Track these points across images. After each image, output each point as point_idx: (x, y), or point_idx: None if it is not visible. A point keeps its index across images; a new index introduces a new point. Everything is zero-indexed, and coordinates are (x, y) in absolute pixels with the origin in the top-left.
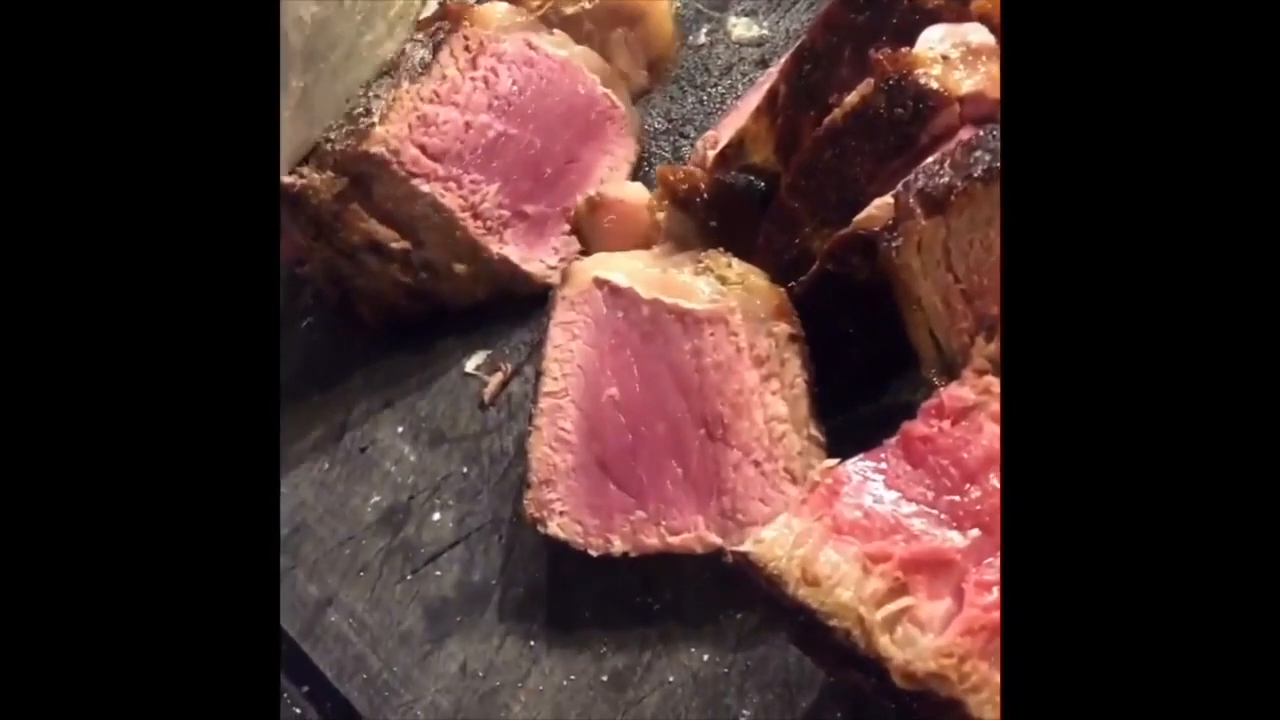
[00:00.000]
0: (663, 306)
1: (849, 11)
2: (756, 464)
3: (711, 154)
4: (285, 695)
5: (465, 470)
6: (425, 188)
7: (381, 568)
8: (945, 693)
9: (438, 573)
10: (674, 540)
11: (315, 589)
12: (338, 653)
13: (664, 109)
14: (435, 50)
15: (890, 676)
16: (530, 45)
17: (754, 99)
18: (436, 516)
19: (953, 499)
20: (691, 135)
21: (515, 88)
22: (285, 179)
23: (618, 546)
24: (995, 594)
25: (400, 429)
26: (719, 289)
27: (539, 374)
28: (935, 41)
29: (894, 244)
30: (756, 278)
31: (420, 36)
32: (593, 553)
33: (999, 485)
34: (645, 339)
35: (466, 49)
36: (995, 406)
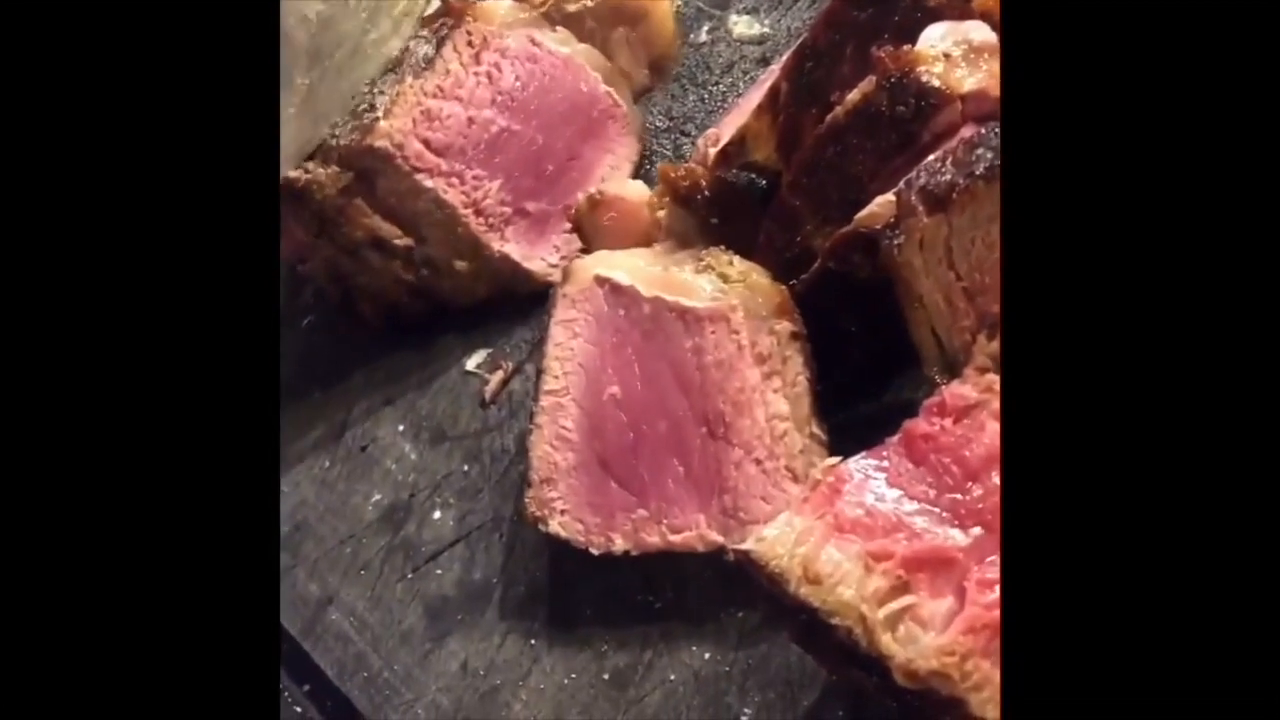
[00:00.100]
0: (664, 304)
1: (851, 9)
2: (758, 462)
3: (713, 152)
4: (286, 694)
5: (466, 468)
6: (428, 183)
7: (382, 566)
8: (947, 691)
9: (439, 571)
10: (675, 538)
11: (316, 587)
12: (338, 651)
13: (665, 107)
14: (439, 45)
15: (892, 675)
16: (533, 42)
17: (755, 97)
18: (437, 515)
19: (955, 497)
20: (693, 133)
21: (518, 83)
22: (290, 173)
23: (619, 545)
24: (997, 592)
25: (401, 427)
26: (720, 287)
27: (540, 372)
28: (937, 39)
29: (896, 242)
30: (758, 275)
31: (424, 33)
32: (594, 551)
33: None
34: (646, 337)
35: (470, 44)
36: (997, 405)
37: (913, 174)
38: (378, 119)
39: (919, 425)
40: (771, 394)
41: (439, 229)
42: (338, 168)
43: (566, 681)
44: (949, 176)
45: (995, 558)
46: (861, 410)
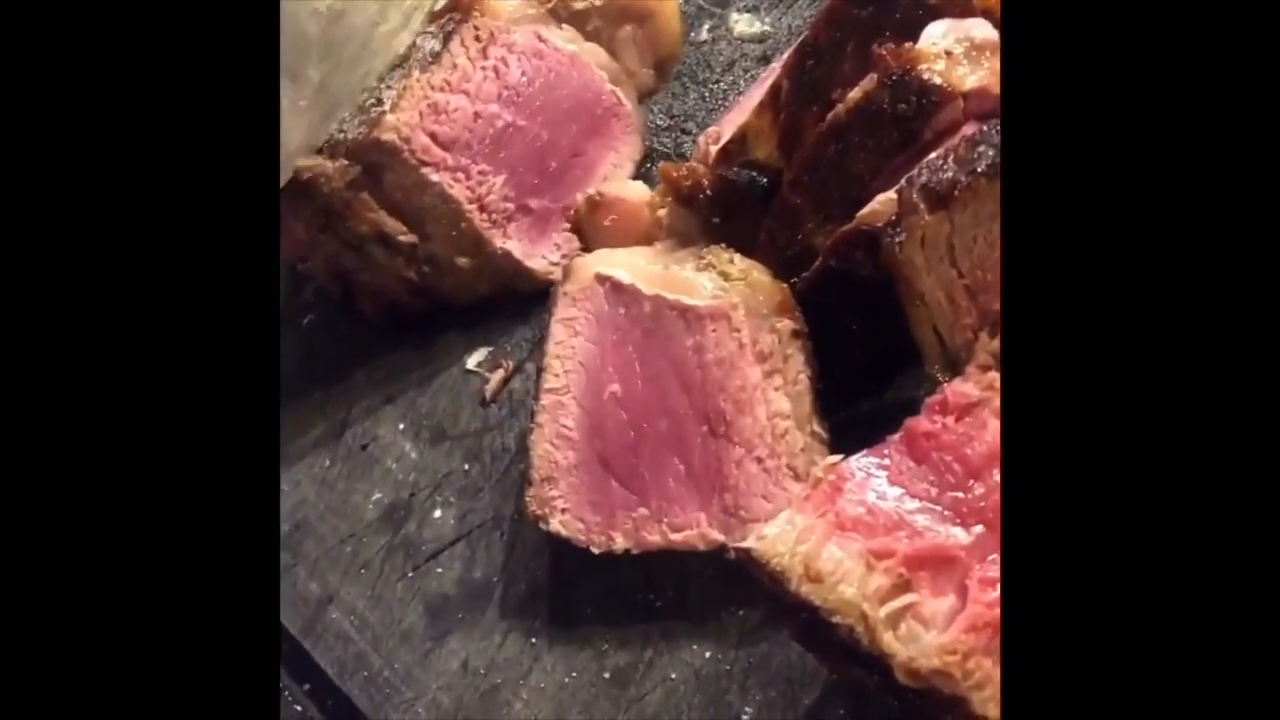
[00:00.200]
0: (665, 303)
1: (852, 7)
2: (759, 460)
3: (714, 150)
4: (286, 693)
5: (467, 467)
6: (434, 177)
7: (383, 565)
8: (949, 690)
9: (439, 570)
10: (676, 537)
11: (316, 586)
12: (339, 650)
13: (666, 105)
14: (446, 40)
15: (893, 673)
16: (540, 38)
17: (756, 95)
18: (438, 514)
19: (956, 495)
20: (694, 131)
21: (525, 79)
22: (300, 161)
23: (620, 543)
24: (999, 590)
25: (401, 426)
26: (721, 285)
27: (540, 371)
28: (939, 37)
29: (897, 239)
30: (759, 274)
31: (431, 28)
32: (595, 550)
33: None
34: (647, 335)
35: (477, 39)
36: (999, 402)
37: (914, 172)
38: (385, 113)
39: (920, 423)
40: (773, 392)
41: (442, 225)
42: (345, 161)
43: (567, 680)
44: (951, 174)
45: (997, 556)
46: (863, 408)
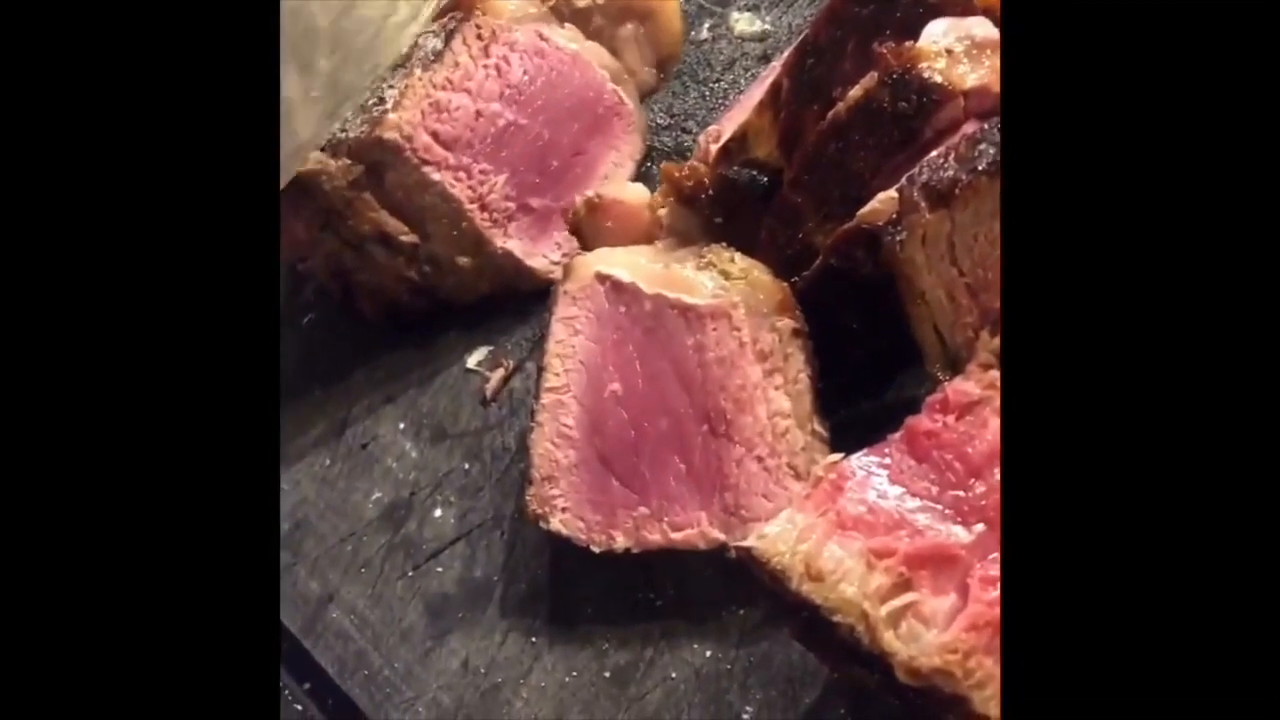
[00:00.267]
0: (665, 301)
1: (853, 5)
2: (759, 459)
3: (714, 149)
4: (286, 692)
5: (467, 466)
6: (436, 176)
7: (383, 564)
8: (950, 689)
9: (439, 569)
10: (677, 536)
11: (316, 585)
12: (339, 649)
13: (666, 104)
14: (448, 38)
15: (894, 672)
16: (542, 36)
17: (757, 93)
18: (438, 513)
19: (957, 494)
20: (694, 130)
21: (526, 77)
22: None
23: (620, 542)
24: (1000, 589)
25: (401, 425)
26: (722, 284)
27: (541, 370)
28: (939, 35)
29: (898, 238)
30: (760, 273)
31: (433, 27)
32: (595, 549)
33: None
34: (648, 334)
35: (479, 37)
36: (1000, 401)
37: (915, 170)
38: (387, 111)
39: (921, 422)
40: (773, 391)
41: (443, 224)
42: (348, 160)
43: (568, 679)
44: (951, 172)
45: (998, 554)
46: (863, 407)
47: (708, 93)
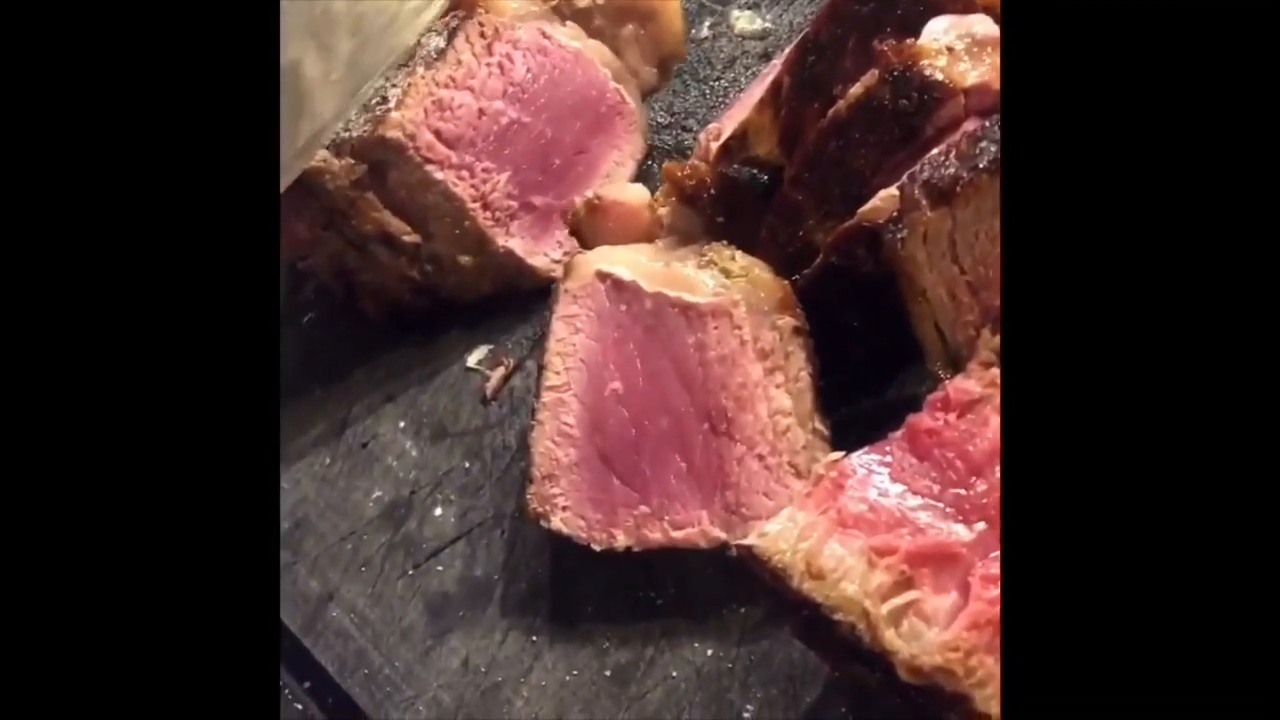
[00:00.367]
0: (666, 300)
1: (854, 3)
2: (760, 458)
3: (715, 147)
4: (286, 690)
5: (467, 465)
6: (439, 175)
7: (383, 563)
8: (951, 687)
9: (439, 568)
10: (677, 535)
11: (316, 584)
12: (339, 648)
13: (667, 102)
14: (451, 37)
15: (895, 671)
16: (544, 35)
17: (757, 91)
18: (438, 512)
19: (958, 492)
20: (694, 128)
21: (529, 75)
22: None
23: (621, 541)
24: (1001, 587)
25: (402, 424)
26: (723, 282)
27: (541, 368)
28: (940, 33)
29: (899, 236)
30: (760, 271)
31: (436, 26)
32: (596, 547)
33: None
34: (648, 332)
35: (482, 35)
36: (1001, 399)
37: (916, 168)
38: (390, 110)
39: (922, 420)
40: (774, 389)
41: (446, 224)
42: (351, 159)
43: (568, 678)
44: (952, 170)
45: (999, 553)
46: (864, 405)
47: (708, 91)
